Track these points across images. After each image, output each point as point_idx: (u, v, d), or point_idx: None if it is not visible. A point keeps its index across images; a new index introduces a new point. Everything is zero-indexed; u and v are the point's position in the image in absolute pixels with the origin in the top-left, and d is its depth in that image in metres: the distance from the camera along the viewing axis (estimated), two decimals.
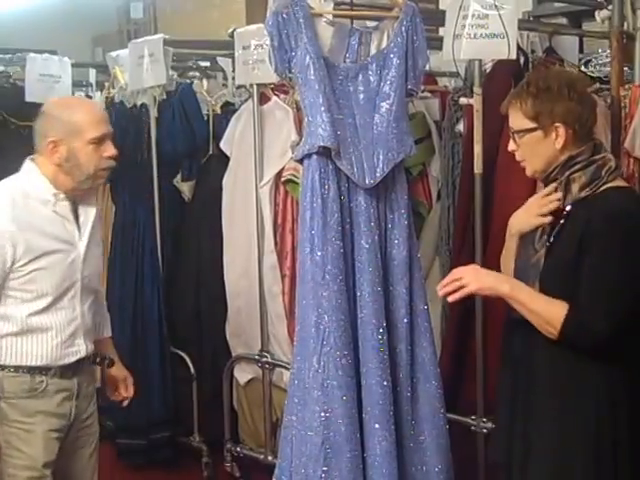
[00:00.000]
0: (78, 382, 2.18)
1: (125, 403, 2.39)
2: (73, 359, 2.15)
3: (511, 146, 1.89)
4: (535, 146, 1.84)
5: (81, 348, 2.16)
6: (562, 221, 1.82)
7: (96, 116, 2.11)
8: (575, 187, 1.81)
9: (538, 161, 1.85)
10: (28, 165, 2.12)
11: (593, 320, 1.73)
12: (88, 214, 2.16)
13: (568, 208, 1.82)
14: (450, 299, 1.87)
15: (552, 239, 1.82)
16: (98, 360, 2.27)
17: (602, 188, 1.81)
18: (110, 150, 2.11)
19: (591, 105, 1.87)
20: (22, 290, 2.06)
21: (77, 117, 2.07)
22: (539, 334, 1.80)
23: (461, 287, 1.83)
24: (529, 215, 1.90)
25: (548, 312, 1.78)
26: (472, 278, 1.84)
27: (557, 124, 1.81)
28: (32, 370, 2.10)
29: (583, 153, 1.82)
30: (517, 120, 1.86)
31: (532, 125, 1.83)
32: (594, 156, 1.83)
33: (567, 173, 1.82)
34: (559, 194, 1.84)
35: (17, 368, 2.09)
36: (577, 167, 1.82)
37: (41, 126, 2.11)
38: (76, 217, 2.14)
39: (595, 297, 1.74)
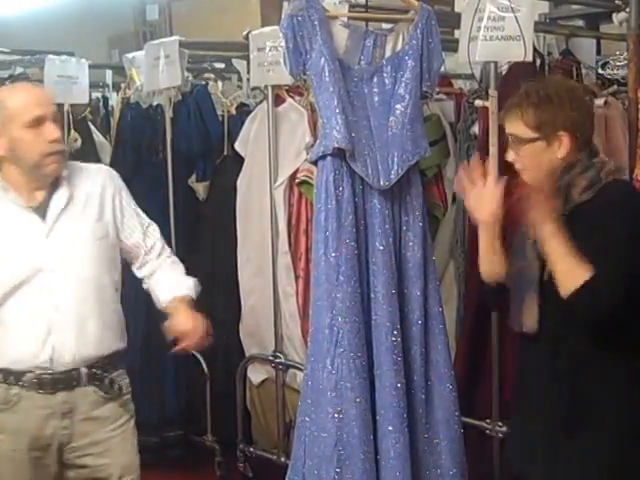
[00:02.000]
0: (67, 400, 1.98)
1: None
2: (46, 357, 1.95)
3: (510, 156, 1.87)
4: (537, 156, 1.83)
5: (58, 349, 1.95)
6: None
7: (29, 98, 1.95)
8: (575, 191, 1.80)
9: (539, 170, 1.83)
10: None
11: (603, 291, 1.70)
12: (58, 200, 2.00)
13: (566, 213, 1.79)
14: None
15: None
16: (107, 382, 2.02)
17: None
18: (52, 133, 1.93)
19: (589, 112, 1.88)
20: None
21: (9, 103, 1.95)
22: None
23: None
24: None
25: (574, 270, 1.73)
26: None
27: (561, 133, 1.80)
28: (7, 376, 1.96)
29: (582, 159, 1.82)
30: (517, 130, 1.84)
31: (534, 135, 1.81)
32: (592, 159, 1.83)
33: (566, 178, 1.81)
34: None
35: None
36: (577, 171, 1.81)
37: None
38: (47, 203, 2.00)
39: (602, 271, 1.70)
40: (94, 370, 2.01)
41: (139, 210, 2.19)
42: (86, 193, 2.06)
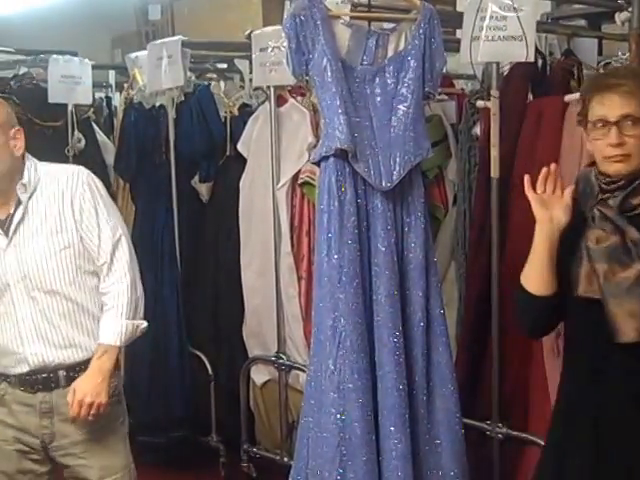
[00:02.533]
0: (46, 400, 2.03)
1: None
2: (24, 369, 2.01)
3: (616, 138, 1.69)
4: None
5: (32, 358, 2.00)
6: None
7: None
8: None
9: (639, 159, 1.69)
10: None
11: None
12: (17, 213, 2.02)
13: None
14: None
15: None
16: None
17: None
18: None
19: None
20: None
21: None
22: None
23: None
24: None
25: None
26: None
27: None
28: None
29: None
30: (633, 109, 1.68)
31: None
32: None
33: None
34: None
35: None
36: None
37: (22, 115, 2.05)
38: (12, 218, 2.02)
39: None
40: (72, 373, 2.05)
41: (104, 209, 2.07)
42: (47, 202, 2.04)
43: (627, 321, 1.67)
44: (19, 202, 2.04)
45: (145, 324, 2.13)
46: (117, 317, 2.05)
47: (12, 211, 2.03)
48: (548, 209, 1.80)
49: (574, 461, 1.78)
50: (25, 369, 2.02)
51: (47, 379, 2.04)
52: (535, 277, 1.83)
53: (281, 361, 3.01)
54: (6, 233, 2.03)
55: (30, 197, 2.04)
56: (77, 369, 2.05)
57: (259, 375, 3.18)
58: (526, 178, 1.85)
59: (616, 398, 1.74)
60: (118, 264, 2.07)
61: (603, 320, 1.70)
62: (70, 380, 2.04)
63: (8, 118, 2.04)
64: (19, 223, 2.02)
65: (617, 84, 1.71)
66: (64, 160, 3.35)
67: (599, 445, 1.75)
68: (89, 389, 2.01)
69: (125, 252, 2.08)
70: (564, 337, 1.93)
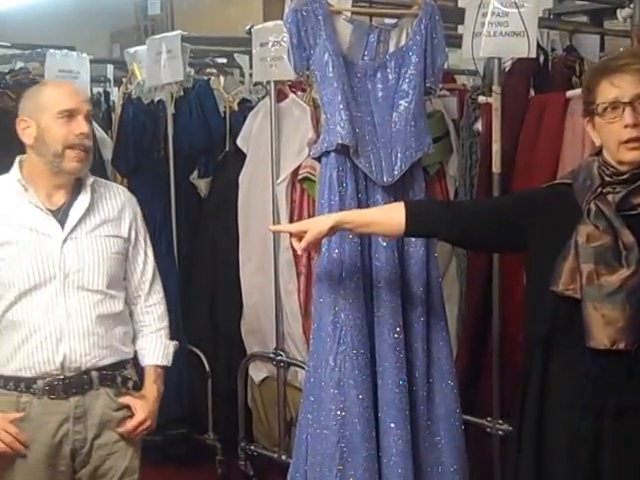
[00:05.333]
0: (80, 404, 1.98)
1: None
2: (57, 365, 1.95)
3: (632, 118, 1.62)
4: None
5: (68, 354, 1.96)
6: None
7: (65, 91, 2.00)
8: None
9: None
10: (16, 159, 2.05)
11: None
12: (78, 206, 2.01)
13: None
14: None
15: None
16: (118, 381, 2.04)
17: None
18: (81, 127, 1.95)
19: None
20: None
21: (45, 93, 1.99)
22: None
23: None
24: None
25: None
26: None
27: None
28: (17, 383, 1.95)
29: None
30: None
31: None
32: None
33: None
34: None
35: (5, 381, 1.96)
36: None
37: (19, 109, 2.03)
38: (67, 208, 2.00)
39: None
40: (104, 372, 2.03)
41: (145, 242, 2.16)
42: (107, 206, 2.07)
43: (601, 327, 1.61)
44: (75, 195, 2.02)
45: (177, 344, 2.22)
46: (165, 338, 2.17)
47: (64, 202, 2.01)
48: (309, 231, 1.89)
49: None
50: (56, 368, 1.96)
51: (81, 381, 1.99)
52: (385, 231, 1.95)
53: (280, 358, 3.00)
54: (61, 223, 1.99)
55: (93, 195, 2.04)
56: (107, 371, 2.03)
57: (257, 372, 3.17)
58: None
59: (574, 400, 1.68)
60: (158, 286, 2.19)
61: (578, 320, 1.64)
62: (102, 381, 2.02)
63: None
64: (82, 218, 2.01)
65: (626, 64, 1.65)
66: None
67: (545, 447, 1.71)
68: (150, 414, 2.08)
69: (159, 278, 2.20)
70: (525, 325, 1.86)
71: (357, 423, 2.12)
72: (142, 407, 2.07)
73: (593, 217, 1.66)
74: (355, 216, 1.97)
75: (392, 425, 2.13)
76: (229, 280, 3.23)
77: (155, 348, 2.14)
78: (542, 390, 1.72)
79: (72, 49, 3.48)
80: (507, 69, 2.64)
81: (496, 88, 2.46)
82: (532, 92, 2.76)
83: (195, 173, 3.37)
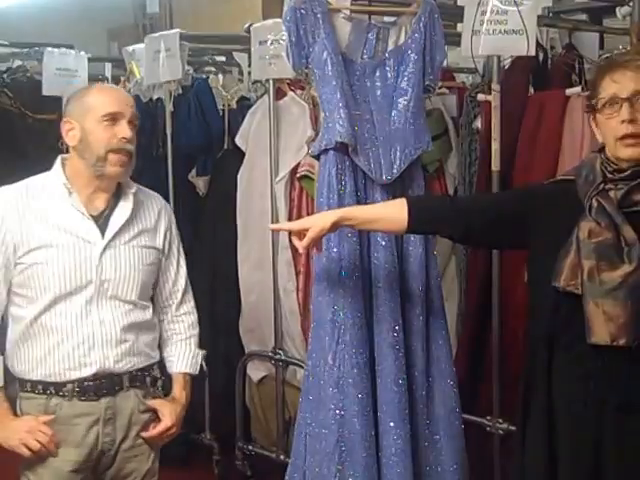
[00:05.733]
0: (110, 406, 1.98)
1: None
2: (88, 373, 1.94)
3: (628, 114, 1.62)
4: None
5: (100, 361, 1.95)
6: None
7: (111, 95, 2.00)
8: None
9: None
10: (57, 160, 2.04)
11: None
12: (119, 214, 2.00)
13: None
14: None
15: None
16: (148, 382, 2.04)
17: None
18: (124, 131, 1.95)
19: None
20: (26, 287, 1.94)
21: (91, 95, 1.99)
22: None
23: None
24: None
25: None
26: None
27: None
28: (47, 387, 1.94)
29: None
30: None
31: None
32: None
33: None
34: None
35: (33, 385, 1.95)
36: None
37: (63, 111, 2.05)
38: (108, 214, 1.99)
39: None
40: (134, 373, 2.02)
41: (179, 251, 2.17)
42: (145, 215, 2.07)
43: (602, 323, 1.61)
44: (116, 200, 2.01)
45: (205, 353, 2.23)
46: (194, 346, 2.17)
47: (105, 208, 2.00)
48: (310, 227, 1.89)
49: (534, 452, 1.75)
50: (88, 373, 1.95)
51: (112, 382, 1.98)
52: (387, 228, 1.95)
53: (278, 357, 2.99)
54: (101, 230, 1.98)
55: (135, 203, 2.04)
56: (137, 374, 2.03)
57: (255, 371, 3.16)
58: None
59: (576, 397, 1.69)
60: (190, 295, 2.21)
61: (579, 316, 1.64)
62: (132, 382, 2.01)
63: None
64: (122, 226, 2.00)
65: (629, 60, 1.66)
66: (57, 153, 3.34)
67: (555, 444, 1.71)
68: (177, 421, 2.08)
69: (190, 287, 2.22)
70: (527, 322, 1.86)
71: (356, 422, 2.11)
72: (170, 413, 2.06)
73: (595, 213, 1.65)
74: (357, 212, 1.96)
75: (391, 424, 2.13)
76: (227, 278, 3.22)
77: (185, 356, 2.14)
78: (548, 387, 1.72)
79: (70, 47, 3.48)
80: (506, 67, 2.64)
81: (495, 86, 2.46)
82: (531, 90, 2.76)
83: (194, 171, 3.36)
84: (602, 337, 1.61)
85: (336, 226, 1.91)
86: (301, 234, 1.92)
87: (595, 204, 1.66)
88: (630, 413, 1.64)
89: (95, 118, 1.95)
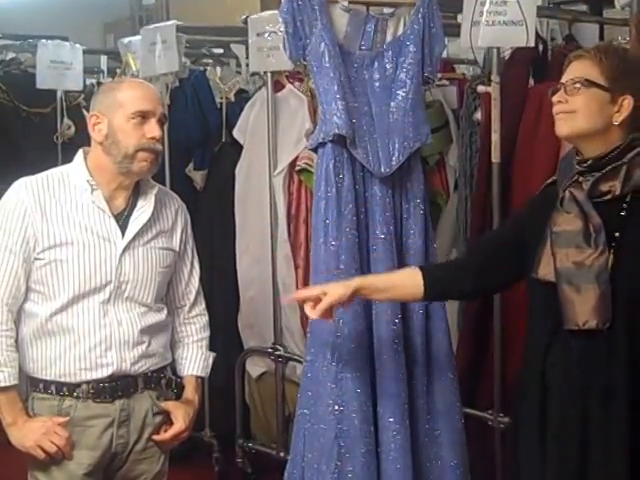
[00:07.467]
0: (124, 407, 1.95)
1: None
2: (104, 374, 1.91)
3: (560, 96, 1.73)
4: (594, 105, 1.69)
5: (117, 363, 1.92)
6: (624, 213, 1.68)
7: (142, 91, 1.95)
8: (638, 172, 1.68)
9: (587, 121, 1.69)
10: (78, 153, 2.01)
11: None
12: (139, 215, 1.96)
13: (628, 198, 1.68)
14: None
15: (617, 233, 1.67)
16: (162, 384, 2.02)
17: None
18: (153, 130, 1.90)
19: None
20: (43, 284, 1.90)
21: (121, 92, 1.94)
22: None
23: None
24: None
25: None
26: None
27: (627, 97, 1.68)
28: (60, 388, 1.91)
29: None
30: (589, 72, 1.70)
31: (604, 84, 1.68)
32: None
33: (630, 155, 1.67)
34: None
35: (45, 385, 1.92)
36: None
37: (90, 104, 2.01)
38: (128, 213, 1.96)
39: None
40: (149, 374, 2.00)
41: (193, 252, 2.14)
42: (163, 216, 2.04)
43: (574, 308, 1.66)
44: (136, 197, 1.98)
45: (215, 355, 2.21)
46: (206, 349, 2.15)
47: (125, 207, 1.96)
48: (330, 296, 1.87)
49: (526, 442, 1.78)
50: (104, 374, 1.92)
51: (127, 384, 1.96)
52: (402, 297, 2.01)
53: (278, 353, 2.97)
54: (122, 229, 1.94)
55: (155, 203, 2.00)
56: (152, 375, 2.02)
57: (255, 367, 3.15)
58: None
59: (562, 382, 1.72)
60: (202, 297, 2.17)
61: (556, 304, 1.69)
62: (146, 383, 1.99)
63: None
64: (143, 227, 1.96)
65: (582, 53, 1.76)
66: (52, 147, 3.28)
67: (546, 430, 1.73)
68: (188, 424, 2.05)
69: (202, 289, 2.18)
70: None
71: (355, 418, 2.10)
72: (183, 416, 2.04)
73: (566, 204, 1.72)
74: (372, 282, 1.96)
75: (391, 419, 2.12)
76: (226, 273, 3.20)
77: (196, 359, 2.12)
78: (542, 375, 1.76)
79: (65, 39, 3.46)
80: (506, 58, 2.62)
81: (495, 77, 2.45)
82: (531, 81, 2.74)
83: (191, 165, 3.34)
84: (574, 321, 1.67)
85: (354, 296, 1.90)
86: (314, 301, 1.89)
87: (567, 195, 1.73)
88: (613, 398, 1.67)
89: (125, 115, 1.90)
